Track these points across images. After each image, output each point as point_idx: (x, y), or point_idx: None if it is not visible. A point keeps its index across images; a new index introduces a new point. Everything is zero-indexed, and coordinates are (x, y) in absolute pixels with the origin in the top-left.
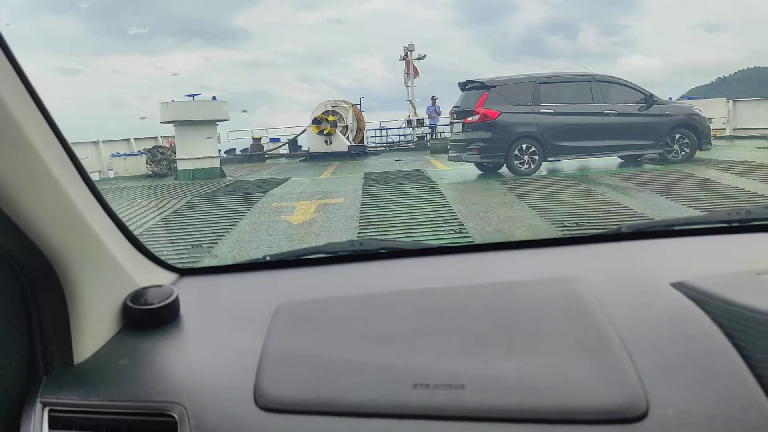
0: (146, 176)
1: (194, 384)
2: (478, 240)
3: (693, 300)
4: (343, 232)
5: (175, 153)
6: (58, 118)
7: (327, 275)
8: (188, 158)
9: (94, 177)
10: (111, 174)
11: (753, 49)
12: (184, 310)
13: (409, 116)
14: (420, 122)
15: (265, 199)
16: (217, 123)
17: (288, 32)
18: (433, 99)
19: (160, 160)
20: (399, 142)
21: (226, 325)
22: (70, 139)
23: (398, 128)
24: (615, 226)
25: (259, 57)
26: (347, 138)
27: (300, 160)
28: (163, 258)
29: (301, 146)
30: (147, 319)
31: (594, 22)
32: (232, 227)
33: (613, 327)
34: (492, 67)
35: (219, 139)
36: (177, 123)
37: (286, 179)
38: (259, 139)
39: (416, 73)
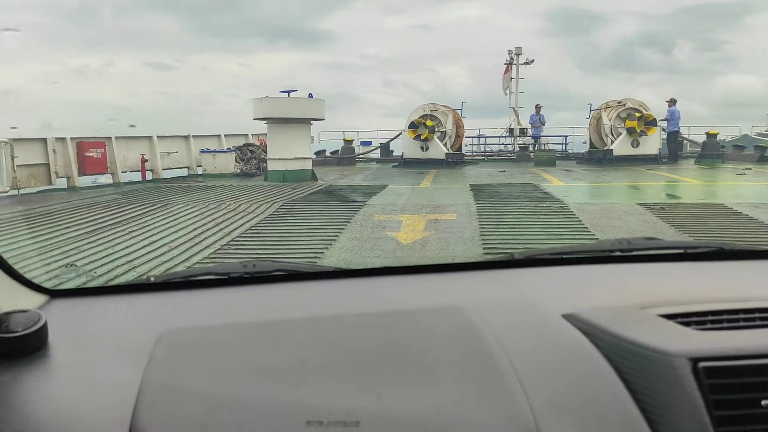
0: (234, 175)
1: (61, 423)
2: None
3: (584, 333)
4: (465, 260)
5: (265, 152)
6: (151, 112)
7: (216, 299)
8: (279, 158)
9: (183, 173)
10: (199, 170)
11: None
12: (53, 337)
13: (511, 125)
14: (523, 131)
15: (366, 210)
16: (312, 122)
17: (373, 36)
18: (538, 107)
19: (250, 159)
20: (498, 152)
21: (100, 355)
22: (161, 132)
23: (498, 137)
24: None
25: (342, 60)
26: (445, 144)
27: (393, 166)
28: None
29: (392, 151)
30: (8, 348)
31: (691, 37)
32: (332, 243)
33: (507, 359)
34: (580, 80)
35: (312, 139)
36: (270, 120)
37: (383, 186)
38: (351, 141)
39: (510, 80)
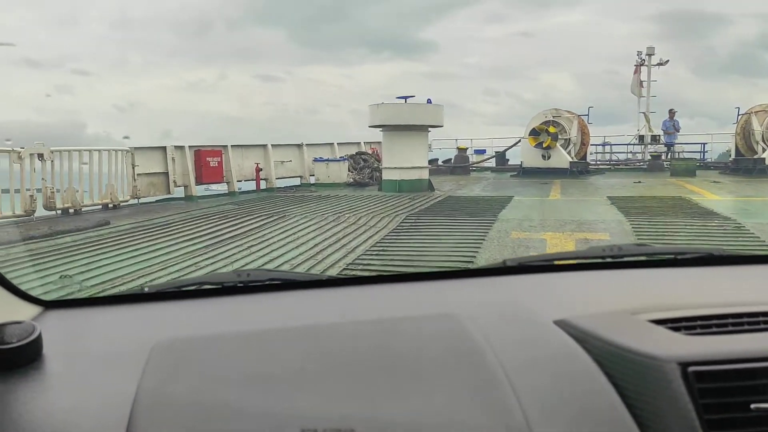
0: (347, 184)
1: None
2: None
3: (575, 339)
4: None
5: (378, 161)
6: (261, 122)
7: (211, 309)
8: (395, 167)
9: (295, 182)
10: (312, 180)
11: None
12: (47, 349)
13: (641, 131)
14: (654, 139)
15: (499, 225)
16: (429, 129)
17: (474, 45)
18: (671, 112)
19: (363, 168)
20: (626, 160)
21: (95, 366)
22: (269, 141)
23: (626, 144)
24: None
25: (444, 69)
26: (569, 153)
27: (511, 176)
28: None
29: (508, 160)
30: (2, 360)
31: None
32: (468, 263)
33: (500, 366)
34: (695, 85)
35: (430, 147)
36: (387, 128)
37: (509, 198)
38: (465, 149)
39: (640, 83)
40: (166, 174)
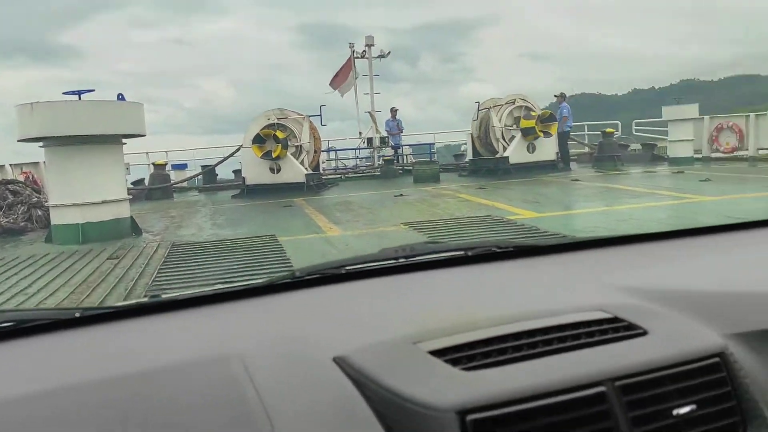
0: None
1: None
2: None
3: (353, 381)
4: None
5: (40, 193)
6: None
7: None
8: (72, 203)
9: None
10: None
11: (574, 79)
12: None
13: (368, 134)
14: (383, 141)
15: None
16: (125, 141)
17: (124, 51)
18: (394, 111)
19: (12, 206)
20: (355, 167)
21: None
22: None
23: (354, 149)
24: None
25: (92, 76)
26: (302, 162)
27: (232, 197)
28: None
29: (217, 175)
30: None
31: (433, 50)
32: None
33: (269, 422)
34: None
35: (128, 168)
36: (52, 141)
37: (271, 241)
38: (163, 165)
39: (346, 71)
40: None
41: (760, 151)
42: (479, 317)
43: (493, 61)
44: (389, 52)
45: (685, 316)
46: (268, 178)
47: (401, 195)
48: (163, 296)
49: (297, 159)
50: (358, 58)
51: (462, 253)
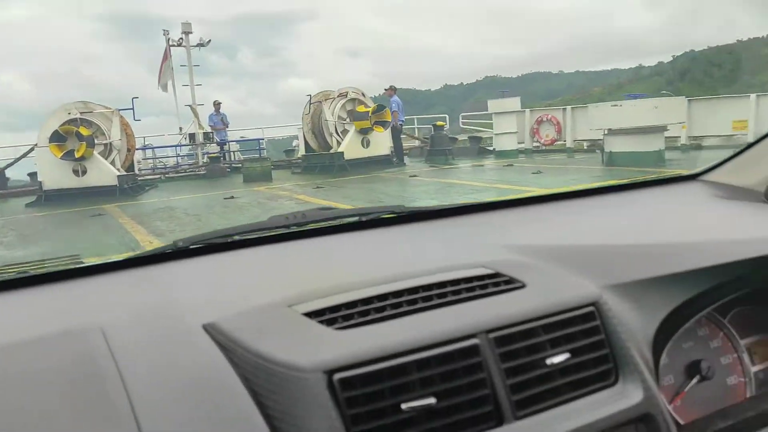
0: None
1: None
2: None
3: (222, 347)
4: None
5: None
6: None
7: None
8: None
9: None
10: None
11: (389, 74)
12: None
13: (189, 129)
14: (207, 137)
15: None
16: None
17: None
18: (217, 105)
19: None
20: (176, 166)
21: None
22: None
23: (175, 146)
24: None
25: None
26: (112, 163)
27: (26, 205)
28: None
29: (8, 179)
30: None
31: (252, 43)
32: None
33: (126, 397)
34: (155, 84)
35: None
36: None
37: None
38: None
39: (163, 63)
40: None
41: (575, 142)
42: (362, 279)
43: (312, 56)
44: (209, 41)
45: (565, 269)
46: (72, 182)
47: (232, 197)
48: (22, 272)
49: (106, 159)
50: (174, 46)
51: (356, 219)
